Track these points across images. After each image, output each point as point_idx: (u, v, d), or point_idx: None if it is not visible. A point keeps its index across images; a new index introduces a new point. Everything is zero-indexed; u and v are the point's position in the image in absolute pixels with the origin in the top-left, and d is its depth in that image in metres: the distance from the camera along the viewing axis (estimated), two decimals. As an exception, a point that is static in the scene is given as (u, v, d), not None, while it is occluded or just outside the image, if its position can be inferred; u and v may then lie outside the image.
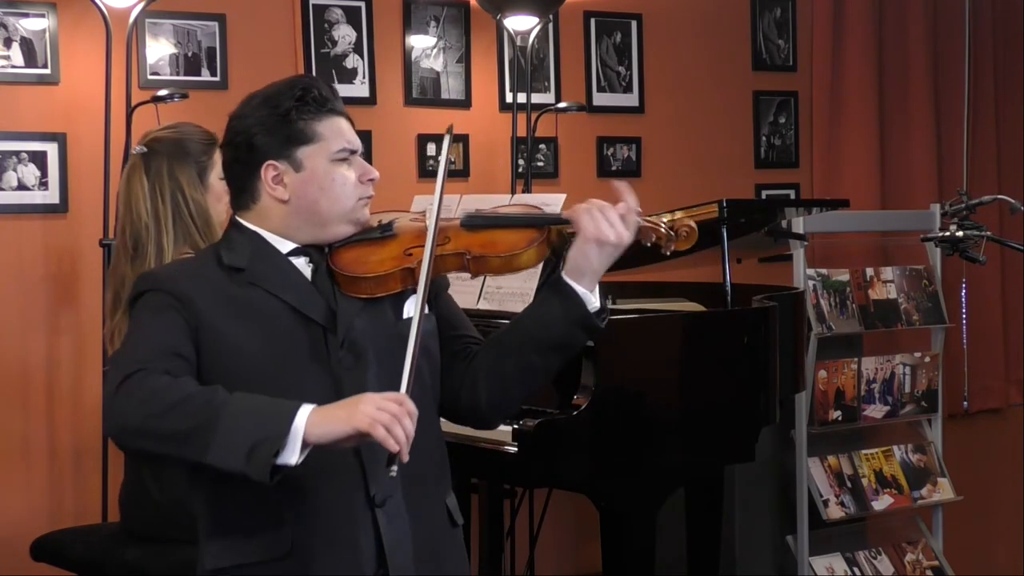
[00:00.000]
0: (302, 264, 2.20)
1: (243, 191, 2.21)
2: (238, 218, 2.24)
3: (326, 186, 2.18)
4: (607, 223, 2.15)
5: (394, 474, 1.97)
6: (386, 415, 1.93)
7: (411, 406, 1.96)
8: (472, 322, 2.38)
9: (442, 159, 2.26)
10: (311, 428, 1.93)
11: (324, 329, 2.15)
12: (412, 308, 2.19)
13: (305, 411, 1.94)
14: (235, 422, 1.93)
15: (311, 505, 2.09)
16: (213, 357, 2.09)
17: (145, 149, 3.14)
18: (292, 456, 1.92)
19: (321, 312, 2.16)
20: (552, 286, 2.19)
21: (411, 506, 2.16)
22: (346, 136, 2.21)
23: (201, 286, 2.13)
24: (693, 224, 2.23)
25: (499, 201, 3.53)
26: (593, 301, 2.18)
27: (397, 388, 2.05)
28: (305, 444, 1.93)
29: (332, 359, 2.14)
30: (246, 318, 2.12)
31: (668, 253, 2.24)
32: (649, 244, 2.23)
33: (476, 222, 2.25)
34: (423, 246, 2.17)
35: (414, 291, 2.19)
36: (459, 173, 4.69)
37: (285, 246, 2.20)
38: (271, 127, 2.17)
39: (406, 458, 1.95)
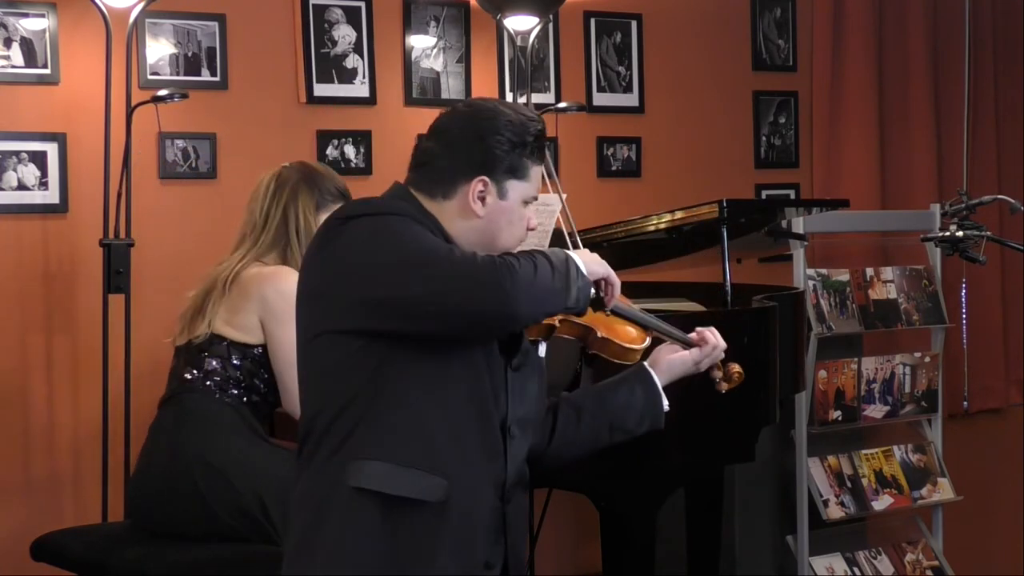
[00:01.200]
0: None
1: (440, 183, 2.28)
2: (419, 198, 2.28)
3: (514, 222, 2.30)
4: (711, 359, 2.55)
5: (610, 311, 2.34)
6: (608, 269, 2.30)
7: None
8: None
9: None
10: (587, 266, 2.24)
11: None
12: (543, 350, 2.42)
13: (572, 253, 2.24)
14: (563, 272, 2.17)
15: (467, 475, 2.20)
16: None
17: (288, 165, 3.34)
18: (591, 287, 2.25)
19: None
20: (642, 379, 2.51)
21: (519, 508, 2.33)
22: (538, 185, 2.34)
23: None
24: (741, 371, 2.61)
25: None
26: (666, 402, 2.53)
27: (536, 403, 2.39)
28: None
29: (510, 357, 2.29)
30: None
31: (723, 391, 2.62)
32: (714, 378, 2.61)
33: (617, 311, 2.44)
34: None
35: (544, 342, 2.42)
36: (459, 173, 4.69)
37: None
38: (507, 149, 2.26)
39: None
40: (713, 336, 2.55)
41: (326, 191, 3.30)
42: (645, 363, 2.53)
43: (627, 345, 2.47)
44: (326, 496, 2.19)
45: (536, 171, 2.32)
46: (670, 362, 2.52)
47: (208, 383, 3.18)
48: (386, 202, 2.27)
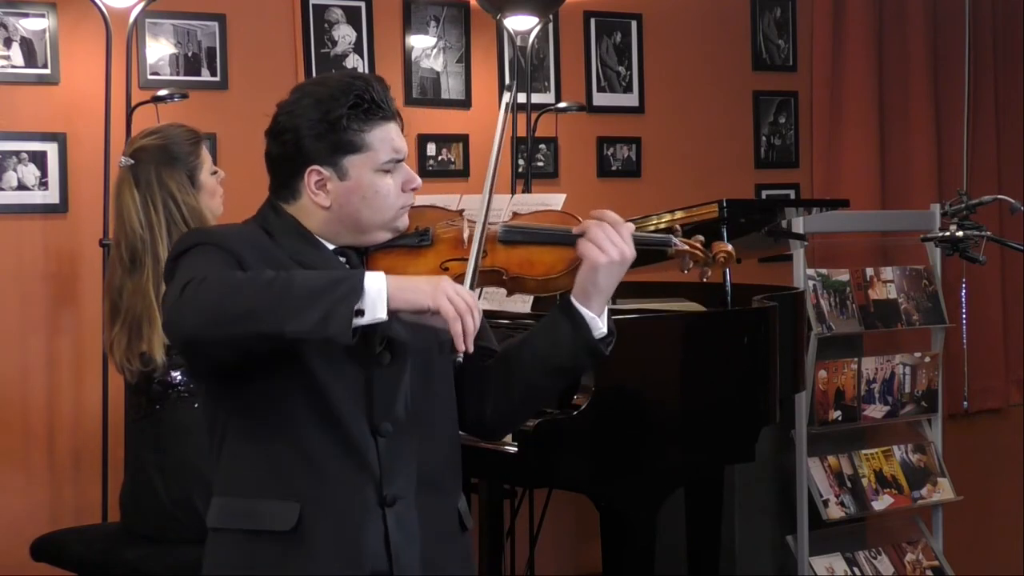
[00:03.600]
0: (342, 264, 2.19)
1: (284, 186, 2.18)
2: (279, 203, 2.20)
3: (368, 196, 2.14)
4: (610, 242, 2.14)
5: (460, 360, 2.05)
6: (462, 303, 1.95)
7: (478, 305, 1.99)
8: None
9: (497, 136, 2.20)
10: (397, 292, 1.94)
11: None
12: None
13: (377, 275, 1.94)
14: (307, 289, 1.91)
15: (325, 490, 2.08)
16: None
17: (132, 160, 3.14)
18: (380, 311, 1.93)
19: None
20: (562, 309, 2.19)
21: (422, 509, 2.16)
22: (394, 144, 2.16)
23: (254, 252, 2.10)
24: (731, 249, 2.24)
25: (499, 201, 3.52)
26: (600, 326, 2.19)
27: (432, 394, 2.17)
28: (389, 306, 1.93)
29: (369, 354, 2.12)
30: None
31: (705, 280, 2.26)
32: (686, 271, 2.24)
33: (515, 237, 2.23)
34: (460, 259, 2.18)
35: None
36: (459, 173, 4.69)
37: (328, 246, 2.18)
38: (320, 132, 2.12)
39: (471, 349, 1.97)
40: (594, 226, 2.16)
41: (185, 155, 3.15)
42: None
43: (544, 276, 2.20)
44: (208, 538, 2.18)
45: (375, 134, 2.13)
46: (579, 280, 2.18)
47: (183, 395, 3.11)
48: (204, 231, 2.17)
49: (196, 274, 1.98)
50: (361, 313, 1.92)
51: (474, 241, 2.15)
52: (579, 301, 2.18)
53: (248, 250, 2.10)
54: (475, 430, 2.33)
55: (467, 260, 2.16)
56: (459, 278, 2.15)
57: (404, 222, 2.21)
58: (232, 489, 2.13)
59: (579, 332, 2.17)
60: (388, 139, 2.16)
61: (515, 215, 2.31)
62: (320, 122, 2.12)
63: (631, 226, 2.20)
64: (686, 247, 2.24)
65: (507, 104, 2.25)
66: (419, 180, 2.21)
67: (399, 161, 2.17)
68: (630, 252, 2.16)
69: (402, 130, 2.20)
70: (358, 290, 1.92)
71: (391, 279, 1.95)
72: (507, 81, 2.23)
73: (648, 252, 2.25)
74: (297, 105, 2.15)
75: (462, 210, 2.33)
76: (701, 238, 2.26)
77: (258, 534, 2.09)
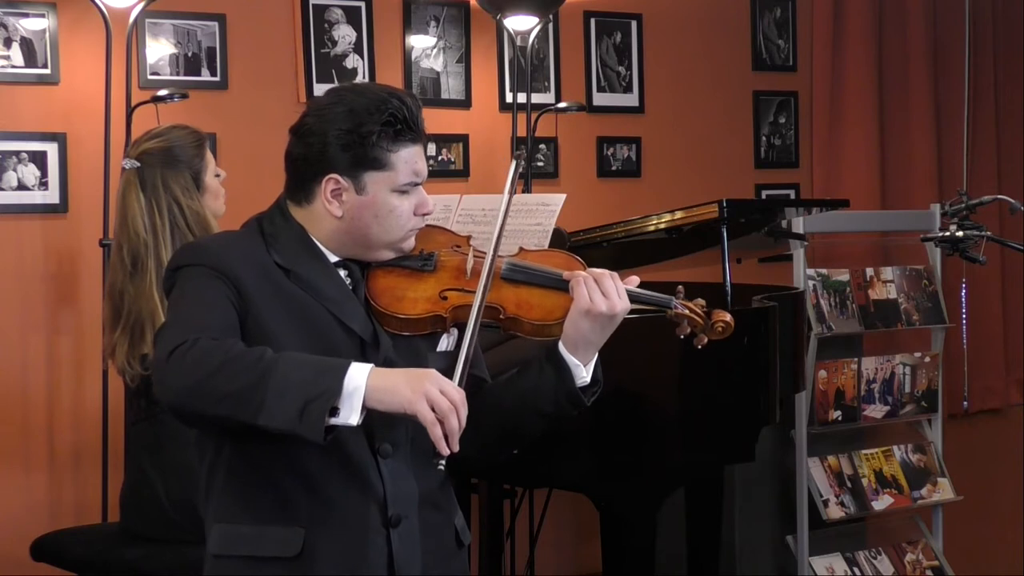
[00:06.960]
0: (342, 277, 2.18)
1: (300, 188, 2.17)
2: (289, 206, 2.19)
3: (381, 215, 2.14)
4: (599, 293, 2.12)
5: (442, 467, 1.99)
6: (445, 405, 1.93)
7: (464, 402, 1.97)
8: None
9: (504, 197, 2.19)
10: (373, 393, 1.92)
11: (363, 342, 2.13)
12: (445, 343, 2.20)
13: (361, 370, 1.93)
14: (286, 380, 1.91)
15: (329, 514, 2.08)
16: (253, 343, 2.03)
17: (138, 164, 3.14)
18: (352, 416, 1.92)
19: (362, 325, 2.14)
20: (548, 355, 2.16)
21: (424, 527, 2.16)
22: (415, 167, 2.15)
23: (250, 269, 2.09)
24: (730, 320, 2.20)
25: (499, 201, 3.52)
26: (583, 374, 2.15)
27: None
28: (364, 407, 1.92)
29: None
30: (289, 313, 2.09)
31: (699, 346, 2.22)
32: (682, 336, 2.21)
33: (518, 276, 2.20)
34: (460, 290, 2.16)
35: (443, 333, 2.18)
36: (459, 173, 4.69)
37: (330, 256, 2.17)
38: (347, 143, 2.10)
39: (456, 450, 1.95)
40: (590, 274, 2.14)
41: (190, 158, 3.15)
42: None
43: (540, 321, 2.16)
44: (207, 564, 2.16)
45: (400, 155, 2.11)
46: (565, 327, 2.14)
47: None
48: (200, 247, 2.17)
49: (187, 334, 1.97)
50: (337, 411, 1.91)
51: (468, 327, 2.09)
52: (566, 348, 2.14)
53: (244, 267, 2.09)
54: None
55: (465, 291, 2.14)
56: (457, 311, 2.13)
57: (410, 244, 2.20)
58: (234, 516, 2.11)
59: (562, 379, 2.15)
60: (412, 161, 2.15)
61: (522, 250, 2.28)
62: (350, 133, 2.10)
63: (634, 279, 2.19)
64: (686, 310, 2.22)
65: (514, 171, 2.23)
66: (432, 206, 2.20)
67: (417, 184, 2.17)
68: (621, 306, 2.13)
69: (426, 153, 2.20)
70: (336, 389, 1.91)
71: (373, 375, 1.93)
72: (516, 150, 2.16)
73: (646, 307, 2.22)
74: (330, 111, 2.13)
75: (469, 236, 2.31)
76: (702, 302, 2.24)
77: (262, 560, 2.08)
